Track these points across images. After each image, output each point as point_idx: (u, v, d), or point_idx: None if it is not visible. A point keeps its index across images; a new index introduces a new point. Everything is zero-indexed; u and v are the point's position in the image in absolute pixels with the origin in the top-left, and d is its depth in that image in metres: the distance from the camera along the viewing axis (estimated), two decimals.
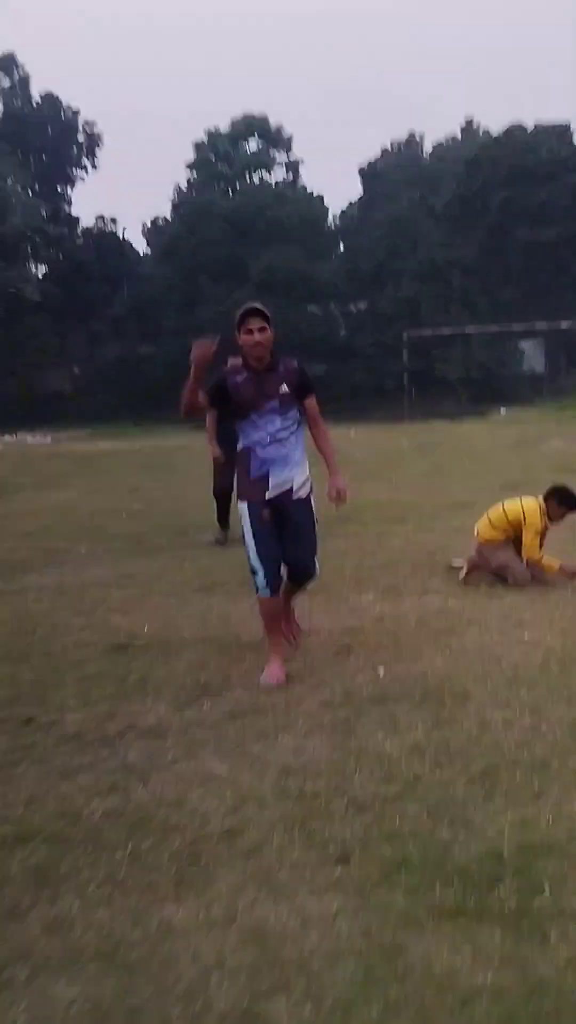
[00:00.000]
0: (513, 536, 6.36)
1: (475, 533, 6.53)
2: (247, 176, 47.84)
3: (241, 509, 4.69)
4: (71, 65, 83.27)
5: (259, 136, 47.93)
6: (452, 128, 53.23)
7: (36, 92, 47.02)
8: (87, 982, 2.33)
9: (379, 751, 3.67)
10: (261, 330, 4.50)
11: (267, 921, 2.55)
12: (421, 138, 50.75)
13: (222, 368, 4.73)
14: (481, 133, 46.59)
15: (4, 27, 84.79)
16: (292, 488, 4.59)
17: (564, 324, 34.87)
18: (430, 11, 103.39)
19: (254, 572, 4.63)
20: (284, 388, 4.55)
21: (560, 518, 6.44)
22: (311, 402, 4.72)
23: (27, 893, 2.74)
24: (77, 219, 47.48)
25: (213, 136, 47.78)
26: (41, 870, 2.87)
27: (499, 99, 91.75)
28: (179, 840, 3.03)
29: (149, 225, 48.64)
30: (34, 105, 46.88)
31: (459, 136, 48.76)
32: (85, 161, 48.30)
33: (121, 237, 47.60)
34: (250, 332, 4.50)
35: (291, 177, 48.66)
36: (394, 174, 48.38)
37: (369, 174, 49.64)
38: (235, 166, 47.42)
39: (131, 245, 48.32)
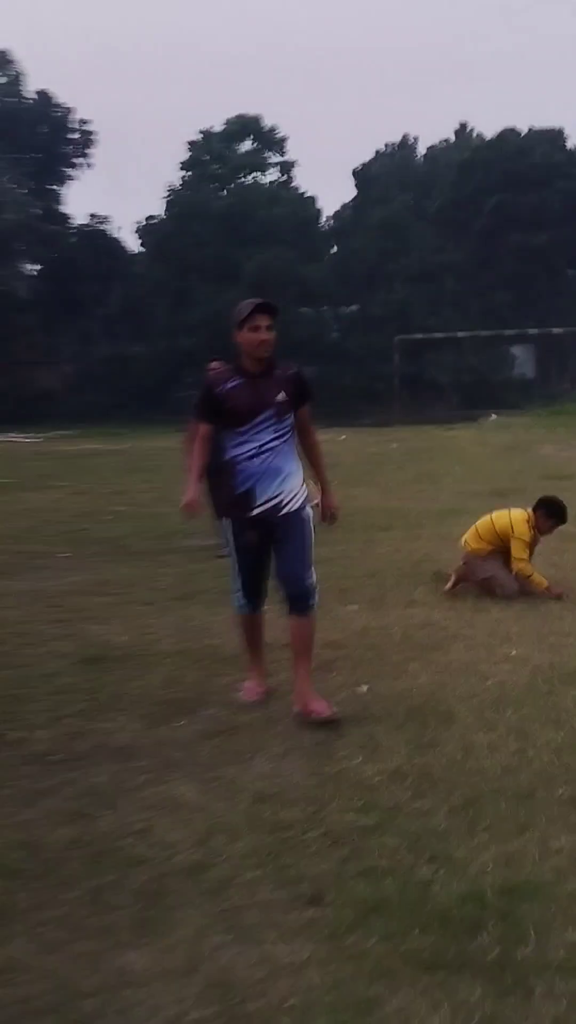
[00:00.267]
0: (501, 548, 6.20)
1: (462, 544, 6.38)
2: (240, 176, 47.62)
3: (224, 526, 4.38)
4: (65, 63, 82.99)
5: (253, 136, 47.72)
6: (446, 131, 53.16)
7: (30, 89, 46.72)
8: None
9: (358, 777, 3.51)
10: (269, 328, 4.07)
11: (232, 969, 2.39)
12: (415, 141, 50.65)
13: (207, 375, 4.40)
14: (474, 136, 46.53)
15: None
16: (281, 502, 4.13)
17: (556, 330, 34.80)
18: (425, 14, 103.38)
19: (233, 592, 4.40)
20: (281, 396, 4.11)
21: (549, 531, 6.30)
22: (305, 412, 4.30)
23: None
24: (70, 217, 47.17)
25: (207, 136, 47.54)
26: None
27: (493, 103, 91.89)
28: (143, 875, 2.86)
29: (143, 224, 48.38)
30: (28, 102, 46.57)
31: (452, 139, 48.68)
32: (78, 159, 47.98)
33: (114, 236, 47.33)
34: (257, 329, 4.06)
35: (284, 178, 48.47)
36: (387, 177, 48.23)
37: (362, 176, 49.46)
38: (228, 166, 47.17)
39: (123, 244, 48.05)
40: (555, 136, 42.69)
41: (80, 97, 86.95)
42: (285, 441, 4.17)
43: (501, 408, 31.09)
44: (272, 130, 47.62)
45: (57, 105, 46.64)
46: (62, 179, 47.44)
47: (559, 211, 39.45)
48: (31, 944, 2.51)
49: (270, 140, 47.76)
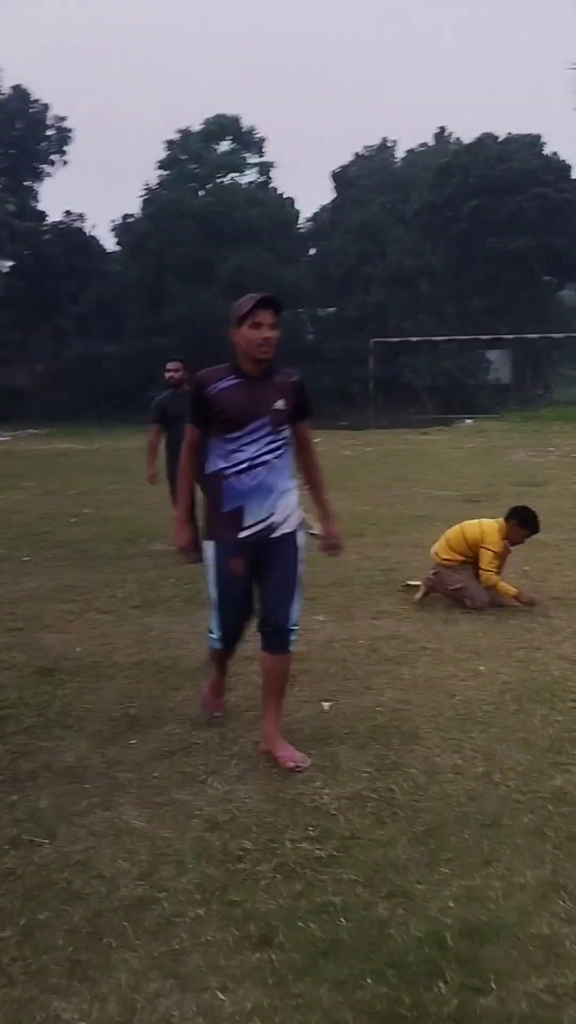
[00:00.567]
0: (472, 558, 6.06)
1: (432, 554, 6.22)
2: (218, 176, 47.38)
3: (207, 553, 3.75)
4: (42, 59, 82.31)
5: (232, 137, 47.51)
6: (425, 135, 53.25)
7: (5, 84, 46.22)
8: None
9: (317, 802, 3.33)
10: (272, 326, 3.59)
11: (169, 1021, 2.20)
12: (394, 144, 50.62)
13: (197, 376, 3.78)
14: (453, 141, 46.56)
15: None
16: (272, 525, 3.65)
17: (531, 335, 34.86)
18: (405, 19, 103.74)
19: (210, 631, 3.89)
20: (280, 403, 3.63)
21: (521, 540, 6.16)
22: (304, 427, 3.82)
23: None
24: (45, 214, 46.70)
25: (185, 135, 47.27)
26: None
27: (471, 109, 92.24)
28: (80, 912, 2.67)
29: (119, 222, 47.99)
30: (3, 97, 46.06)
31: (431, 143, 48.70)
32: (54, 156, 47.53)
33: (89, 234, 46.90)
34: (259, 326, 3.56)
35: (263, 179, 48.29)
36: (366, 179, 48.18)
37: (341, 178, 49.37)
38: (206, 166, 46.93)
39: (99, 242, 47.54)
40: (533, 142, 42.77)
41: (57, 94, 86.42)
42: (280, 456, 3.66)
43: (477, 413, 31.08)
44: (251, 131, 47.46)
45: (33, 101, 46.20)
46: (37, 176, 46.98)
47: (536, 216, 39.49)
48: None
49: (249, 141, 47.58)
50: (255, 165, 47.83)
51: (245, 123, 47.29)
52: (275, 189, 47.71)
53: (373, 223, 44.67)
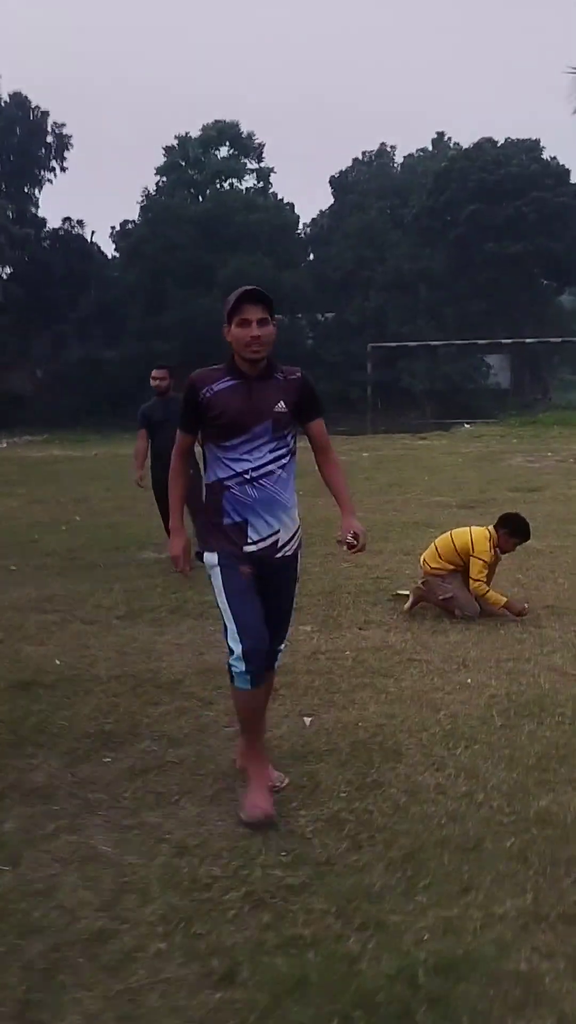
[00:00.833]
0: (461, 567, 5.93)
1: (421, 563, 6.09)
2: (217, 182, 47.35)
3: (210, 562, 3.35)
4: (41, 66, 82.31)
5: (230, 143, 47.47)
6: (423, 140, 53.24)
7: (4, 92, 46.22)
8: None
9: (292, 824, 3.20)
10: (262, 323, 3.25)
11: None
12: (392, 149, 50.62)
13: (190, 377, 3.45)
14: (452, 146, 46.51)
15: None
16: (278, 542, 3.34)
17: (528, 340, 34.74)
18: (403, 25, 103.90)
19: (230, 651, 3.28)
20: (281, 405, 3.30)
21: (511, 548, 6.03)
22: (319, 427, 3.48)
23: None
24: (44, 220, 46.66)
25: (183, 141, 47.25)
26: None
27: (470, 114, 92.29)
28: (38, 946, 2.54)
29: (118, 228, 47.99)
30: (2, 105, 46.06)
31: (430, 148, 48.67)
32: (53, 163, 47.51)
33: (88, 240, 46.86)
34: (246, 324, 3.24)
35: (261, 185, 48.25)
36: (364, 184, 48.16)
37: (339, 183, 49.36)
38: (205, 172, 46.91)
39: (98, 248, 47.53)
40: (531, 146, 42.70)
41: (56, 100, 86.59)
42: (284, 465, 3.34)
43: (476, 417, 30.95)
44: (250, 136, 47.44)
45: (32, 108, 46.19)
46: (36, 182, 46.95)
47: (534, 221, 39.43)
48: None
49: (247, 146, 47.55)
50: (254, 171, 47.83)
51: (244, 129, 47.28)
52: (274, 194, 47.67)
53: (372, 228, 44.64)
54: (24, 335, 44.06)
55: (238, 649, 3.24)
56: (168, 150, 47.17)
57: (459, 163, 42.18)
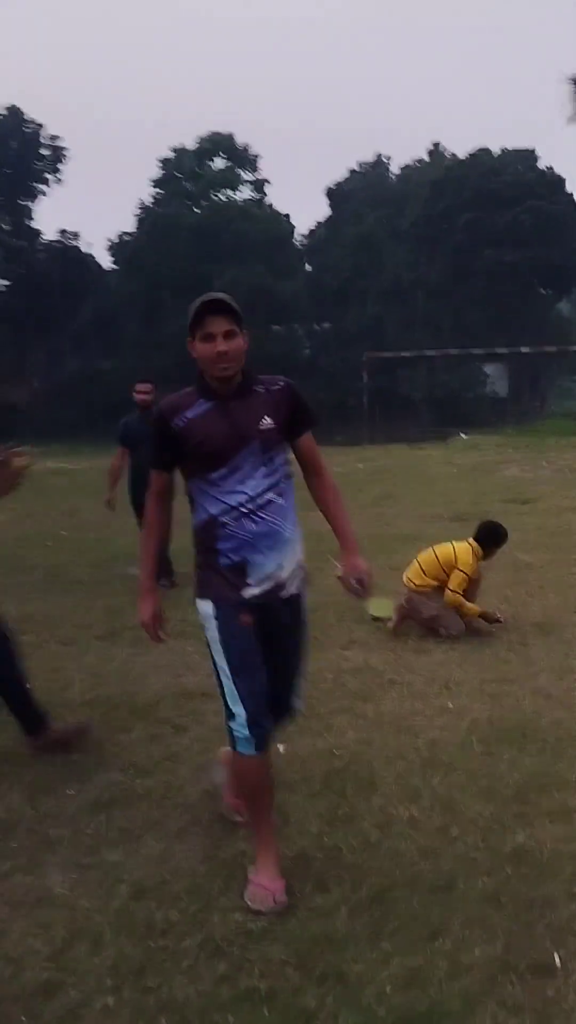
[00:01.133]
0: (446, 583, 5.80)
1: (404, 581, 5.96)
2: (213, 193, 47.43)
3: (204, 612, 2.91)
4: (36, 79, 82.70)
5: (226, 154, 47.57)
6: (419, 151, 53.33)
7: (0, 105, 46.35)
8: None
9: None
10: (229, 336, 2.84)
11: None
12: (388, 160, 50.76)
13: (158, 406, 3.04)
14: (447, 156, 46.61)
15: None
16: (283, 582, 2.91)
17: (524, 349, 34.68)
18: (398, 36, 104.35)
19: (231, 715, 2.86)
20: (267, 421, 2.88)
21: (492, 555, 6.01)
22: (309, 442, 3.03)
23: None
24: (40, 233, 46.75)
25: (179, 153, 47.37)
26: None
27: (466, 124, 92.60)
28: None
29: (115, 240, 48.07)
30: None
31: (426, 159, 48.76)
32: (49, 175, 47.61)
33: (84, 251, 46.93)
34: (210, 338, 2.83)
35: (257, 196, 48.34)
36: (361, 195, 48.27)
37: (336, 194, 49.47)
38: (201, 183, 47.00)
39: (94, 259, 47.59)
40: (527, 156, 42.84)
41: (51, 113, 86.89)
42: (282, 492, 2.91)
43: (474, 426, 30.85)
44: (245, 148, 47.54)
45: (28, 121, 46.29)
46: (32, 195, 47.02)
47: (531, 230, 39.48)
48: None
49: (243, 158, 47.66)
50: (249, 182, 47.95)
51: (239, 140, 47.38)
52: (270, 205, 47.78)
53: (368, 238, 44.71)
54: (20, 347, 44.08)
55: (240, 713, 2.82)
56: (164, 162, 47.31)
57: (455, 172, 42.29)
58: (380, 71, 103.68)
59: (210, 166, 47.42)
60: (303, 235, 49.64)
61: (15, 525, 11.97)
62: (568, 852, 3.00)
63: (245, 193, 47.81)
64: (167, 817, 3.45)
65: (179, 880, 2.97)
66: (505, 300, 40.83)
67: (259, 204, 47.51)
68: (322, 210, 52.93)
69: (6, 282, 45.42)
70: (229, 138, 47.31)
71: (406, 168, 49.69)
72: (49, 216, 58.57)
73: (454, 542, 5.96)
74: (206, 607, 2.90)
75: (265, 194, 47.96)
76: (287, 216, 47.61)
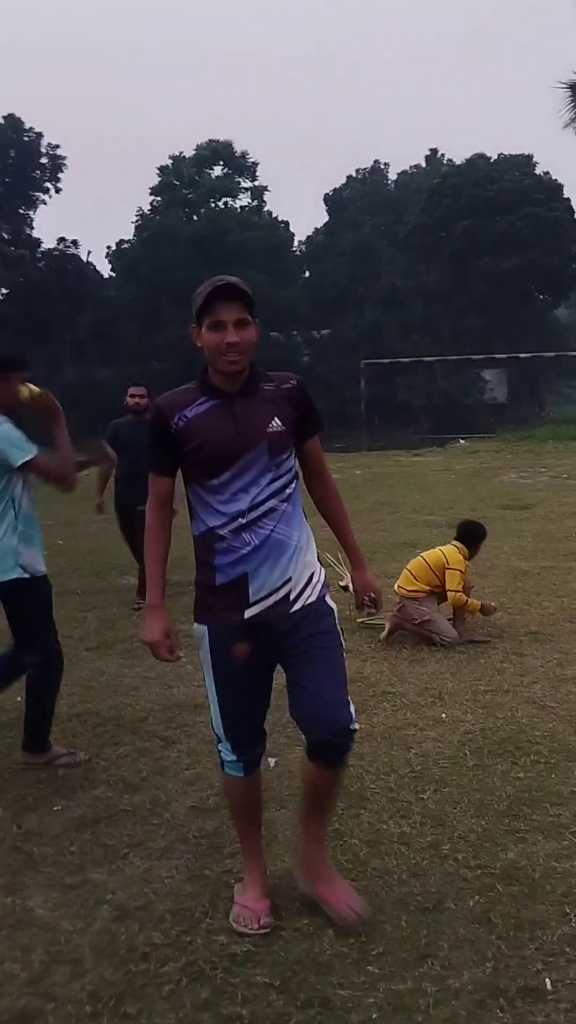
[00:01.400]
0: (439, 587, 5.78)
1: (395, 589, 5.89)
2: (211, 201, 47.48)
3: (198, 635, 2.73)
4: (35, 88, 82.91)
5: (224, 162, 47.62)
6: (416, 157, 53.41)
7: None
8: None
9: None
10: (241, 324, 2.60)
11: None
12: (386, 167, 50.79)
13: (155, 403, 2.78)
14: (444, 162, 46.64)
15: None
16: (290, 595, 2.65)
17: (522, 355, 34.64)
18: (394, 44, 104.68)
19: (217, 738, 2.81)
20: (276, 423, 2.64)
21: (476, 552, 6.16)
22: (315, 446, 2.83)
23: None
24: (39, 241, 46.80)
25: (177, 161, 47.43)
26: None
27: (463, 130, 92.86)
28: None
29: (113, 248, 48.13)
30: None
31: (423, 165, 48.80)
32: (48, 184, 47.69)
33: (84, 260, 46.96)
34: (219, 327, 2.59)
35: (256, 203, 48.39)
36: (359, 202, 48.32)
37: (334, 201, 49.51)
38: (199, 191, 47.04)
39: (94, 268, 47.63)
40: (524, 161, 42.84)
41: (50, 122, 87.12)
42: (287, 497, 2.67)
43: (473, 432, 30.80)
44: (243, 155, 47.59)
45: (27, 129, 46.37)
46: (31, 203, 47.08)
47: (529, 236, 39.47)
48: None
49: (241, 165, 47.70)
50: (248, 189, 47.96)
51: (237, 148, 47.44)
52: (269, 213, 47.82)
53: (367, 245, 44.74)
54: (20, 355, 44.09)
55: (229, 751, 2.77)
56: (162, 170, 47.35)
57: (452, 179, 42.29)
58: (376, 77, 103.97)
59: (208, 174, 47.47)
60: (301, 242, 49.71)
61: None
62: (560, 870, 2.93)
63: (243, 201, 47.85)
64: (153, 834, 3.39)
65: (163, 900, 2.91)
66: (503, 306, 40.82)
67: (258, 211, 47.56)
68: (320, 217, 53.05)
69: (5, 290, 45.47)
70: (228, 146, 47.37)
71: (403, 174, 49.72)
72: (48, 225, 58.63)
73: (441, 548, 6.00)
74: (200, 631, 2.71)
75: (264, 202, 48.01)
76: (286, 223, 47.67)
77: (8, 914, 2.87)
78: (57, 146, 46.71)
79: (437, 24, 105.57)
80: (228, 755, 2.79)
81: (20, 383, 4.04)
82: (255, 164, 47.97)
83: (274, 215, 47.72)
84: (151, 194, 47.34)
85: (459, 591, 5.76)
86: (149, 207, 47.03)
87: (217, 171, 47.95)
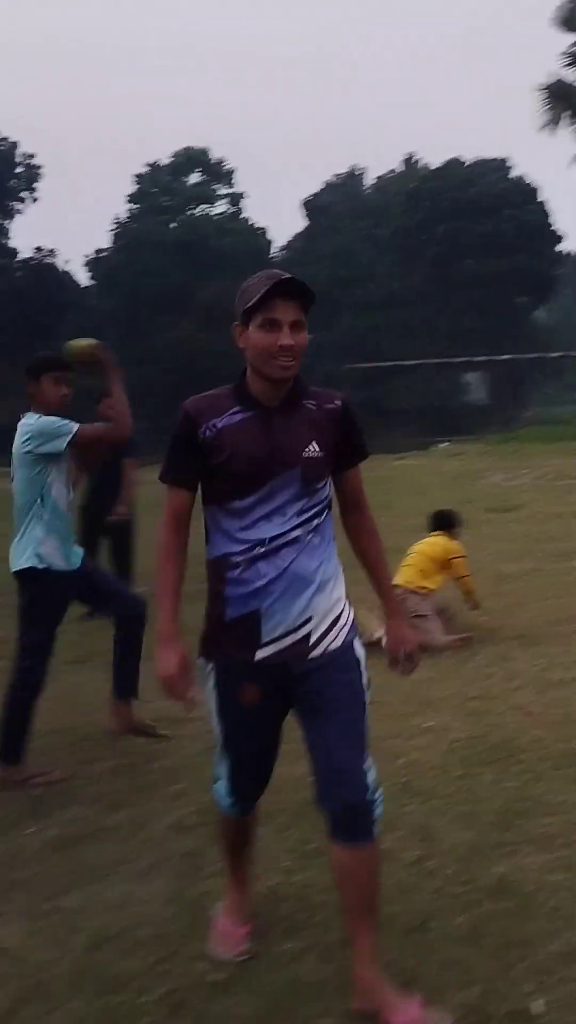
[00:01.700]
0: (445, 577, 6.10)
1: (404, 584, 5.76)
2: (189, 208, 47.47)
3: (203, 671, 2.46)
4: (9, 96, 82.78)
5: (201, 169, 47.63)
6: (393, 162, 53.63)
7: None
8: None
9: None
10: (297, 327, 2.32)
11: None
12: (363, 172, 51.00)
13: (183, 406, 2.42)
14: (421, 166, 46.88)
15: None
16: (310, 636, 2.34)
17: (504, 356, 34.78)
18: (368, 50, 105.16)
19: (217, 773, 2.59)
20: (314, 447, 2.35)
21: (457, 536, 6.38)
22: (356, 478, 2.52)
23: None
24: (16, 251, 46.64)
25: (154, 168, 47.43)
26: None
27: (438, 135, 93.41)
28: None
29: (92, 256, 48.02)
30: None
31: (400, 169, 49.02)
32: (24, 193, 47.56)
33: (61, 268, 46.85)
34: (274, 326, 2.29)
35: (234, 209, 48.43)
36: (337, 207, 48.45)
37: (313, 207, 49.64)
38: (177, 198, 47.05)
39: (72, 276, 47.54)
40: (499, 165, 43.11)
41: (25, 131, 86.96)
42: (317, 528, 2.37)
43: (457, 435, 30.87)
44: (220, 162, 47.65)
45: (1, 139, 46.25)
46: (7, 213, 46.95)
47: (507, 238, 39.69)
48: None
49: (218, 172, 47.78)
50: (225, 196, 48.05)
51: (214, 155, 47.49)
52: (246, 219, 47.85)
53: (347, 250, 44.86)
54: (1, 366, 43.91)
55: (228, 793, 2.56)
56: (139, 177, 47.32)
57: (430, 183, 42.49)
58: (351, 82, 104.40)
59: (185, 181, 47.47)
60: (281, 248, 49.77)
61: None
62: (551, 884, 2.85)
63: (221, 207, 47.89)
64: (135, 854, 3.29)
65: (142, 926, 2.81)
66: (485, 309, 41.00)
67: (235, 218, 47.61)
68: (298, 223, 53.12)
69: None
70: (204, 153, 47.45)
71: (381, 179, 49.93)
72: (25, 234, 58.44)
73: (426, 542, 6.19)
74: (206, 667, 2.44)
75: (241, 208, 48.07)
76: (263, 230, 47.74)
77: None
78: (32, 155, 46.65)
79: (410, 28, 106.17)
80: (227, 799, 2.57)
81: (74, 351, 4.21)
82: (232, 171, 48.07)
83: (251, 221, 47.77)
84: (128, 201, 47.30)
85: (468, 575, 6.13)
86: (127, 215, 46.97)
87: (194, 178, 47.99)
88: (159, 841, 3.38)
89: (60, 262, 46.55)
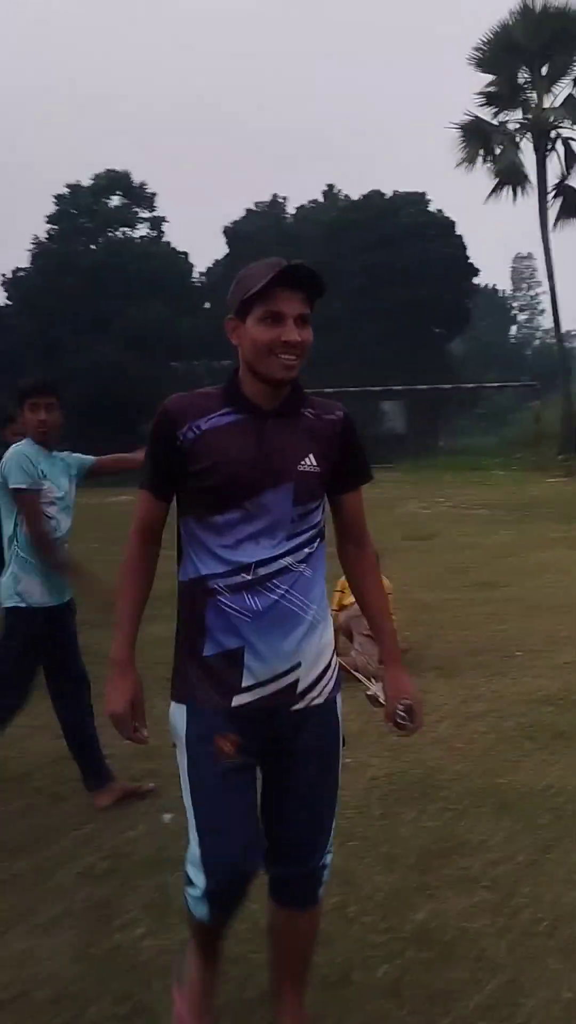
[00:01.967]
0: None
1: (335, 605, 5.68)
2: (110, 230, 47.14)
3: (174, 720, 2.12)
4: None
5: (122, 192, 47.39)
6: (314, 193, 54.44)
7: None
8: None
9: (134, 959, 2.75)
10: (302, 321, 2.06)
11: None
12: (284, 200, 51.49)
13: (163, 404, 2.14)
14: (341, 198, 47.64)
15: None
16: (297, 685, 2.07)
17: (421, 386, 35.38)
18: (287, 79, 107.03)
19: (191, 855, 2.08)
20: (310, 461, 2.09)
21: None
22: (356, 500, 2.26)
23: None
24: None
25: (75, 190, 47.00)
26: None
27: (357, 169, 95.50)
28: None
29: (9, 276, 47.20)
30: None
31: (321, 200, 49.70)
32: None
33: None
34: (278, 320, 2.02)
35: (155, 233, 48.28)
36: (259, 235, 48.70)
37: (233, 233, 49.82)
38: (97, 220, 46.67)
39: None
40: (418, 199, 44.09)
41: None
42: (309, 558, 2.09)
43: (374, 463, 30.97)
44: (142, 186, 47.50)
45: None
46: None
47: (427, 270, 40.55)
48: None
49: (139, 195, 47.57)
50: (147, 220, 47.80)
51: (135, 178, 47.36)
52: (168, 243, 47.74)
53: None
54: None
55: (201, 882, 2.04)
56: (58, 198, 46.80)
57: (350, 214, 43.17)
58: (275, 109, 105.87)
59: (106, 203, 47.17)
60: (202, 273, 49.78)
61: None
62: (472, 930, 2.77)
63: (142, 231, 47.70)
64: (38, 906, 3.09)
65: (42, 987, 2.62)
66: (404, 339, 41.71)
67: (156, 242, 47.46)
68: (220, 249, 53.28)
69: None
70: (126, 176, 47.23)
71: (302, 208, 50.52)
72: None
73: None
74: (178, 713, 2.09)
75: (163, 232, 47.97)
76: (185, 254, 47.73)
77: None
78: None
79: (330, 60, 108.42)
80: (197, 896, 2.06)
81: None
82: (153, 195, 47.98)
83: (173, 246, 47.73)
84: (47, 222, 46.71)
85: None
86: (46, 235, 46.38)
87: (115, 201, 47.73)
88: (66, 890, 3.19)
89: None
